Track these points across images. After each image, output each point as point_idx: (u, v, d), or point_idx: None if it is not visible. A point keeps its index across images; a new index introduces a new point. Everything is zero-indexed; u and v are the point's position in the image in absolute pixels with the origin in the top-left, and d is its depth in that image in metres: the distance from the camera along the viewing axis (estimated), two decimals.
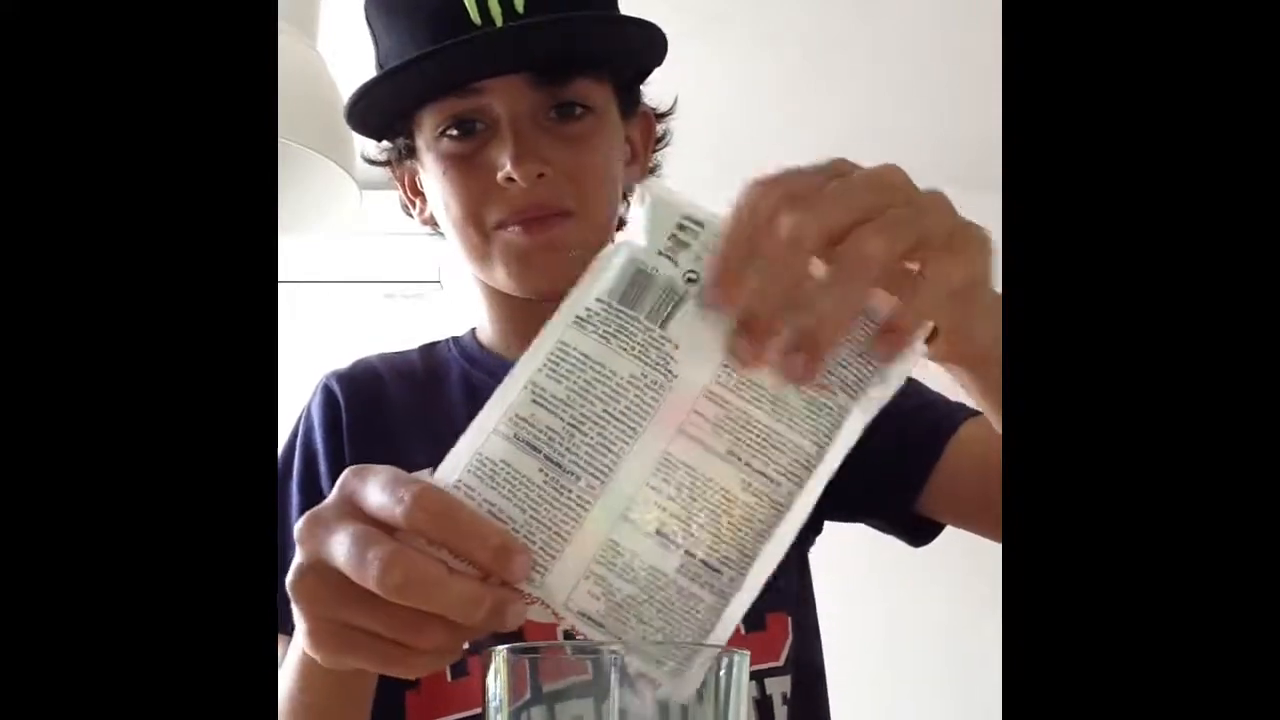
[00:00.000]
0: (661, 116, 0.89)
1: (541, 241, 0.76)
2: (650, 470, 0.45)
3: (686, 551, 0.45)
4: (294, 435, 0.85)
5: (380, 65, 0.81)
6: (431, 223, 0.84)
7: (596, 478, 0.45)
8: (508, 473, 0.45)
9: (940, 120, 2.48)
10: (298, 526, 0.46)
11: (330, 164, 1.20)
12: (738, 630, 0.80)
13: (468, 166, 0.76)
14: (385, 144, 0.84)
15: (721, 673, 0.41)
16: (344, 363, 0.88)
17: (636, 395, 0.45)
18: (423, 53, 0.74)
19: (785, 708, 0.77)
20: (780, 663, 0.78)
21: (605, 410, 0.45)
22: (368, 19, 0.82)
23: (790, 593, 0.81)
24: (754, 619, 0.78)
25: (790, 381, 0.44)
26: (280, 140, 1.11)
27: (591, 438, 0.45)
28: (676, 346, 0.46)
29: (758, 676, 0.76)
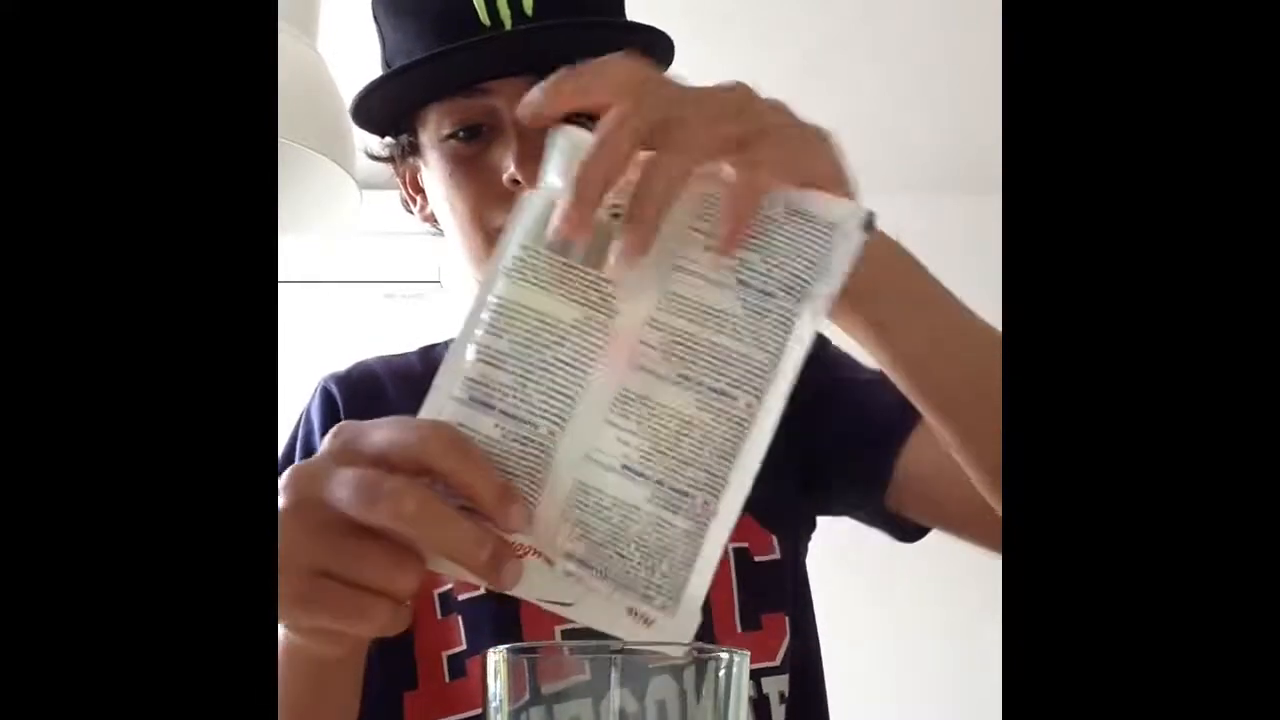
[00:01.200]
0: None
1: None
2: (606, 407, 0.45)
3: (656, 481, 0.45)
4: (293, 437, 0.85)
5: (386, 63, 0.80)
6: (431, 220, 0.84)
7: (555, 424, 0.45)
8: (468, 434, 0.45)
9: (941, 121, 2.48)
10: (283, 476, 0.46)
11: (330, 164, 1.20)
12: (734, 630, 0.80)
13: (473, 168, 0.76)
14: (388, 140, 0.84)
15: (721, 672, 0.41)
16: (343, 365, 0.88)
17: (581, 337, 0.46)
18: (432, 53, 0.74)
19: (783, 707, 0.77)
20: (777, 662, 0.78)
21: (554, 357, 0.45)
22: (374, 16, 0.82)
23: (787, 593, 0.81)
24: (750, 619, 0.78)
25: (627, 255, 0.44)
26: (280, 140, 1.11)
27: (543, 385, 0.45)
28: (614, 283, 0.46)
29: (755, 676, 0.76)
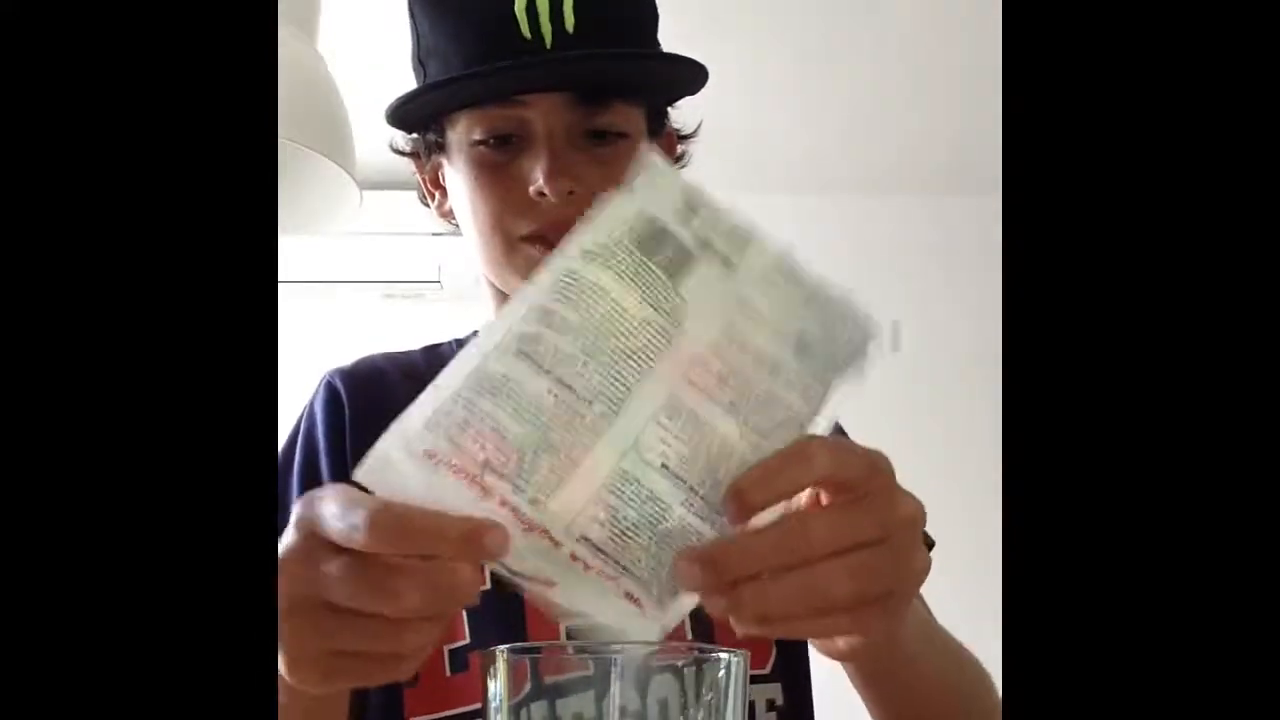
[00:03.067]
0: (684, 138, 0.90)
1: None
2: (659, 408, 0.47)
3: (691, 488, 0.47)
4: (295, 431, 0.85)
5: (419, 59, 0.81)
6: (449, 217, 0.85)
7: (610, 408, 0.46)
8: (511, 388, 0.46)
9: (940, 122, 2.48)
10: (279, 561, 0.46)
11: (330, 164, 1.19)
12: (732, 635, 0.80)
13: (499, 176, 0.77)
14: (413, 135, 0.85)
15: (721, 672, 0.41)
16: (349, 359, 0.88)
17: (649, 338, 0.47)
18: (472, 71, 0.75)
19: (771, 714, 0.78)
20: (767, 670, 0.79)
21: (619, 345, 0.47)
22: (410, 8, 0.82)
23: None
24: None
25: (733, 518, 0.46)
26: (280, 140, 1.11)
27: (606, 369, 0.46)
28: (686, 302, 0.48)
29: None
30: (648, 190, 0.50)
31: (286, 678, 0.47)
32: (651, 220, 0.49)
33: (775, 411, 0.48)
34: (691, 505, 0.47)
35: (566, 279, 0.48)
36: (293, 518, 0.46)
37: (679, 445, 0.46)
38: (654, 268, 0.48)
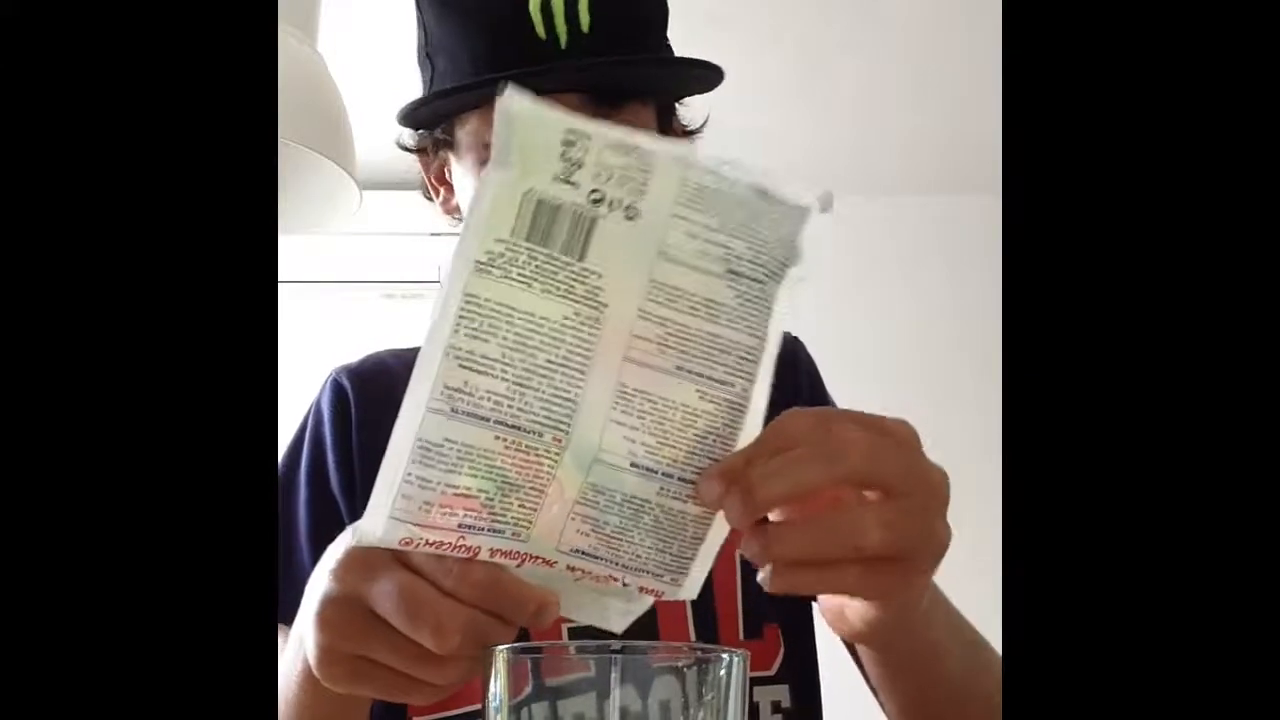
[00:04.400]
0: (691, 134, 0.90)
1: None
2: (609, 405, 0.44)
3: (664, 474, 0.46)
4: (302, 428, 0.85)
5: (427, 54, 0.80)
6: (454, 213, 0.85)
7: (560, 429, 0.44)
8: (458, 450, 0.43)
9: (940, 122, 2.48)
10: (335, 560, 0.46)
11: (330, 164, 1.19)
12: (737, 637, 0.80)
13: None
14: (421, 132, 0.84)
15: (722, 672, 0.41)
16: (354, 357, 0.88)
17: (575, 335, 0.43)
18: (492, 76, 0.73)
19: (777, 716, 0.77)
20: (772, 672, 0.79)
21: (548, 360, 0.43)
22: (419, 4, 0.81)
23: (782, 604, 0.81)
24: (753, 628, 0.78)
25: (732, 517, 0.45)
26: (281, 141, 1.10)
27: (543, 391, 0.43)
28: (600, 275, 0.43)
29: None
30: (520, 158, 0.43)
31: (314, 671, 0.48)
32: (535, 199, 0.42)
33: (726, 356, 0.45)
34: (668, 490, 0.46)
35: (470, 307, 0.42)
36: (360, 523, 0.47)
37: (643, 435, 0.45)
38: (554, 254, 0.43)
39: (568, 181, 0.43)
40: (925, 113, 2.45)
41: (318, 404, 0.86)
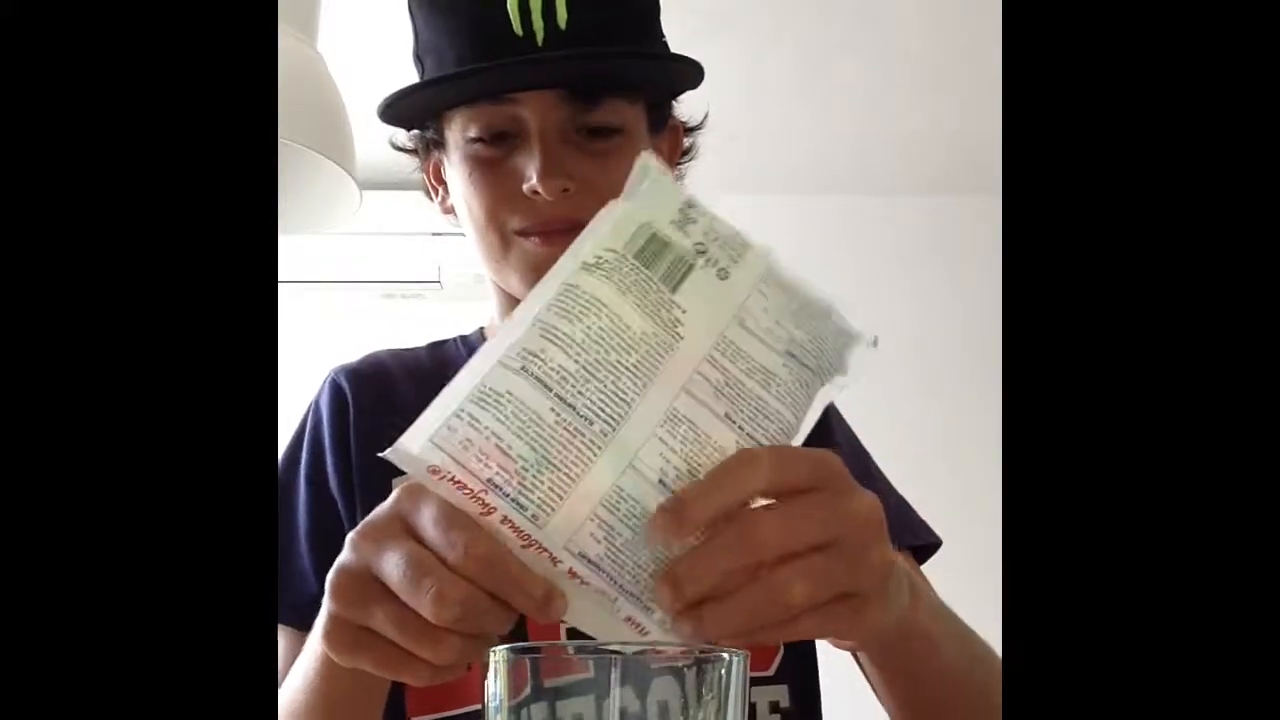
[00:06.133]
0: (690, 130, 0.90)
1: (560, 253, 0.77)
2: (657, 422, 0.47)
3: None
4: (301, 428, 0.86)
5: (418, 57, 0.82)
6: (452, 212, 0.86)
7: (609, 425, 0.46)
8: (515, 406, 0.46)
9: (940, 122, 2.48)
10: (355, 532, 0.48)
11: (330, 164, 1.19)
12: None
13: (494, 172, 0.78)
14: (414, 132, 0.86)
15: (722, 672, 0.41)
16: (353, 357, 0.89)
17: (648, 351, 0.47)
18: (465, 69, 0.76)
19: (775, 716, 0.77)
20: (771, 672, 0.79)
21: (619, 361, 0.47)
22: (410, 8, 0.83)
23: None
24: None
25: (656, 533, 0.46)
26: (280, 141, 1.10)
27: (606, 385, 0.47)
28: (685, 311, 0.49)
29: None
30: (646, 199, 0.51)
31: (322, 640, 0.49)
32: (651, 230, 0.50)
33: (768, 422, 0.48)
34: None
35: (567, 292, 0.48)
36: (391, 499, 0.48)
37: (677, 460, 0.47)
38: (653, 278, 0.49)
39: (680, 229, 0.50)
40: (925, 113, 2.45)
41: (316, 404, 0.86)
